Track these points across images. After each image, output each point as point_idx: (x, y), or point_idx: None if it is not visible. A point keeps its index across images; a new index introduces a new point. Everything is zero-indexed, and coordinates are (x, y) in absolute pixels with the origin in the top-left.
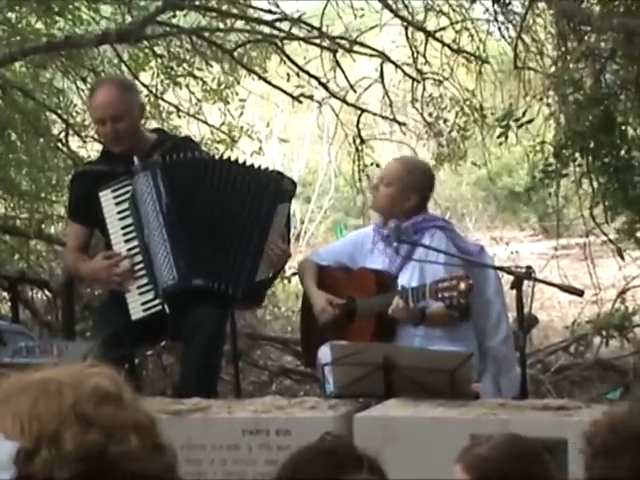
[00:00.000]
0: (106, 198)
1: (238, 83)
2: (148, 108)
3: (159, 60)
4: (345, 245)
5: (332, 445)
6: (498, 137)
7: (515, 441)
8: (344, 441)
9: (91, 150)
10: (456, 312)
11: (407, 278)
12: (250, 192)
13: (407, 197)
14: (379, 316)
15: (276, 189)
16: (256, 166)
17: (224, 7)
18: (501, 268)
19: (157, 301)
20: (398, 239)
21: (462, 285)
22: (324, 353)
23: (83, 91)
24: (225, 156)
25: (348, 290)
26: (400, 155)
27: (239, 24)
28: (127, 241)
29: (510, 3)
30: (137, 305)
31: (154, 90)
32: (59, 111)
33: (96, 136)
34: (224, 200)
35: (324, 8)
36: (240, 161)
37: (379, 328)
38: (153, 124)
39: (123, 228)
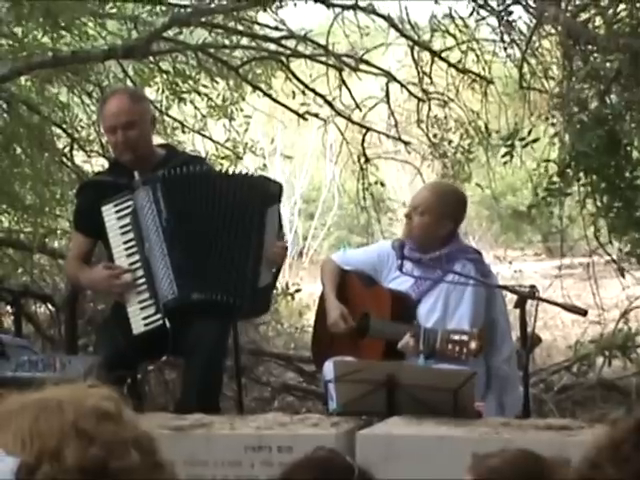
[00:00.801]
0: (108, 213)
1: (243, 99)
2: None
3: (164, 76)
4: (371, 256)
5: (323, 456)
6: (503, 156)
7: (528, 457)
8: (335, 453)
9: (96, 165)
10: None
11: (429, 306)
12: (241, 201)
13: (442, 225)
14: (388, 342)
15: (263, 194)
16: (240, 174)
17: (230, 24)
18: (505, 287)
19: (158, 316)
20: (402, 256)
21: (473, 344)
22: (328, 369)
23: (88, 106)
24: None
25: (364, 303)
26: (433, 181)
27: (245, 41)
28: (129, 256)
29: (515, 21)
30: (138, 320)
31: (159, 106)
32: (64, 126)
33: (100, 151)
34: (219, 212)
35: (330, 26)
36: (229, 172)
37: (388, 350)
38: (158, 139)
39: (125, 243)
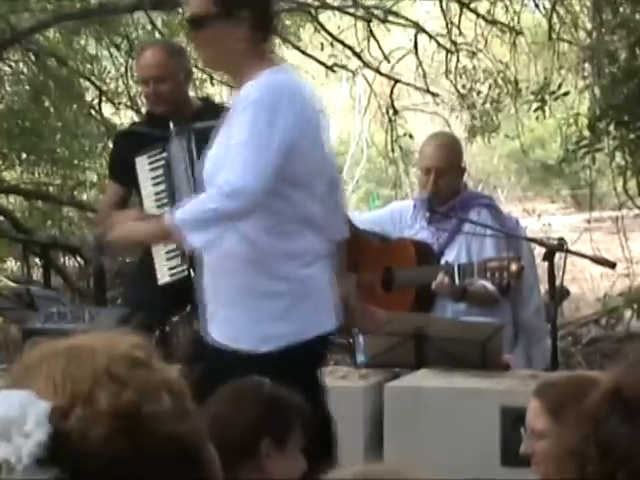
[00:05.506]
0: (141, 164)
1: (272, 52)
2: None
3: None
4: (382, 216)
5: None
6: (534, 111)
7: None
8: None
9: (124, 117)
10: (498, 290)
11: (454, 255)
12: None
13: (459, 176)
14: (419, 289)
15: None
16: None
17: None
18: (534, 240)
19: (183, 266)
20: (431, 210)
21: (513, 266)
22: None
23: (117, 58)
24: None
25: (385, 259)
26: (433, 135)
27: None
28: (159, 207)
29: None
30: (164, 270)
31: None
32: (92, 78)
33: (129, 103)
34: None
35: None
36: None
37: (419, 300)
38: None
39: (156, 194)
